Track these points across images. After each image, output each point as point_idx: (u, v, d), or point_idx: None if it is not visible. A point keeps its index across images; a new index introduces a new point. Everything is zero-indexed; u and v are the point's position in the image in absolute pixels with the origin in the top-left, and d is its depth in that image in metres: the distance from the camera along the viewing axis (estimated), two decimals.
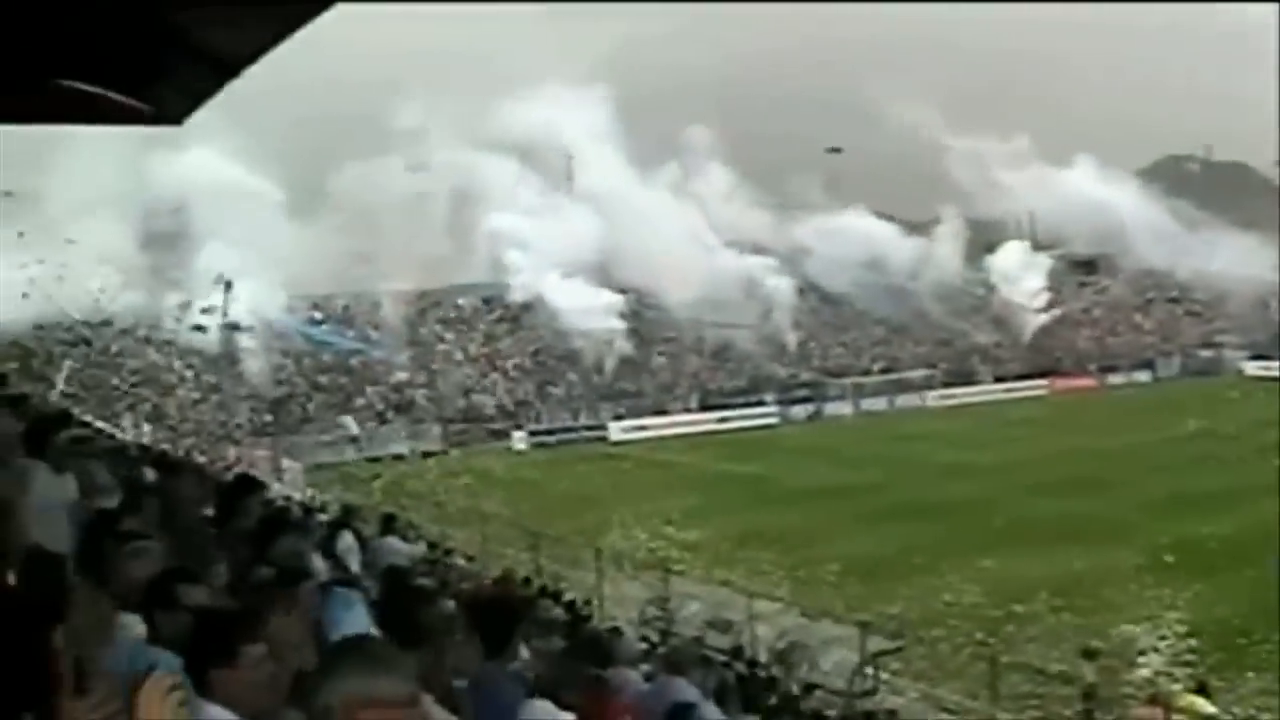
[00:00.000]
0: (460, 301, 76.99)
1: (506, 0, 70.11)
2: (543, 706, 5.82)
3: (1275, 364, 74.60)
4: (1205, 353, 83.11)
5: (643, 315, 76.02)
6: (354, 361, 67.76)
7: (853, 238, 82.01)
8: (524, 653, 8.15)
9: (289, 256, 62.41)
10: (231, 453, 49.05)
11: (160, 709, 2.76)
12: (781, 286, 78.16)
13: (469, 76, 74.64)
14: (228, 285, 60.06)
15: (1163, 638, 22.44)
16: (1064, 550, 29.41)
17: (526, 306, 75.53)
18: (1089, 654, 18.83)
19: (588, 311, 70.17)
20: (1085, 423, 56.60)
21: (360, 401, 63.37)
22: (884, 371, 75.22)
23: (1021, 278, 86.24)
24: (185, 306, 63.59)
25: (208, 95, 8.14)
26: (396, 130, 68.68)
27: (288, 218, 64.17)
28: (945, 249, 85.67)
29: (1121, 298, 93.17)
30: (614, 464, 52.40)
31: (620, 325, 71.52)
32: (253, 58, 7.09)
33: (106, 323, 63.51)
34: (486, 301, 77.45)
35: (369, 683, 2.60)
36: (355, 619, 5.32)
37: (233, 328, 62.40)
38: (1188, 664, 20.75)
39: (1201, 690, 16.79)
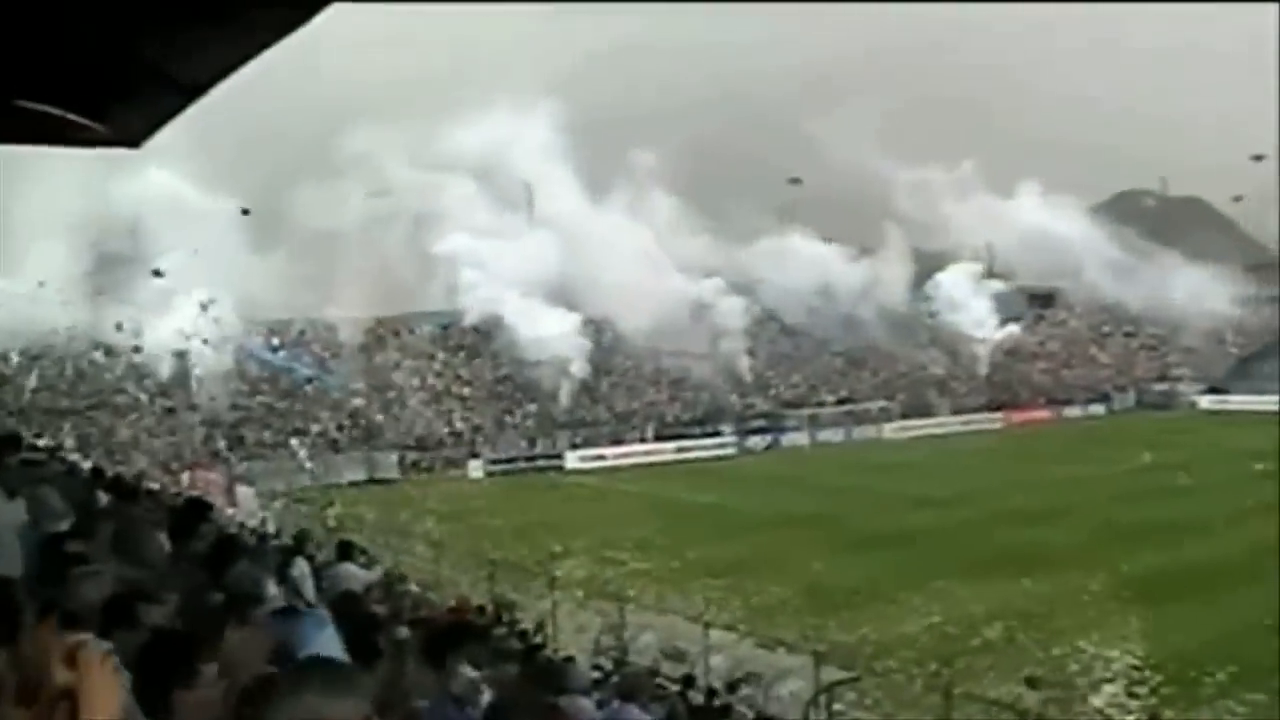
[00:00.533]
0: (417, 329, 76.83)
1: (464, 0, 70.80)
2: None
3: (1229, 398, 75.62)
4: (1160, 386, 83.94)
5: (600, 344, 76.08)
6: (309, 388, 67.42)
7: (804, 263, 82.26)
8: (476, 679, 8.15)
9: (244, 281, 62.20)
10: (185, 477, 48.68)
11: (100, 672, 2.80)
12: (736, 314, 78.41)
13: (420, 100, 74.06)
14: (204, 306, 59.83)
15: (1117, 668, 22.61)
16: (1019, 581, 29.62)
17: (484, 334, 75.53)
18: (1031, 683, 19.05)
19: (545, 337, 70.13)
20: (1041, 455, 57.04)
21: (316, 428, 62.99)
22: (840, 403, 75.45)
23: (977, 311, 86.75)
24: (138, 332, 63.23)
25: (167, 118, 8.15)
26: (350, 155, 68.52)
27: (243, 242, 63.70)
28: (895, 276, 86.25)
29: (1077, 331, 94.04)
30: (570, 493, 52.38)
31: (582, 344, 71.37)
32: (212, 82, 7.11)
33: (55, 346, 63.25)
34: (444, 329, 77.32)
35: (324, 704, 2.63)
36: (327, 641, 5.32)
37: (181, 354, 62.34)
38: (1140, 695, 20.89)
39: None
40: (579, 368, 71.17)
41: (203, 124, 8.05)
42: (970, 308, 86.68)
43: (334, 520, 35.27)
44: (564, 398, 70.09)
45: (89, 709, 2.75)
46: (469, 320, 76.01)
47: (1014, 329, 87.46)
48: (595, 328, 75.11)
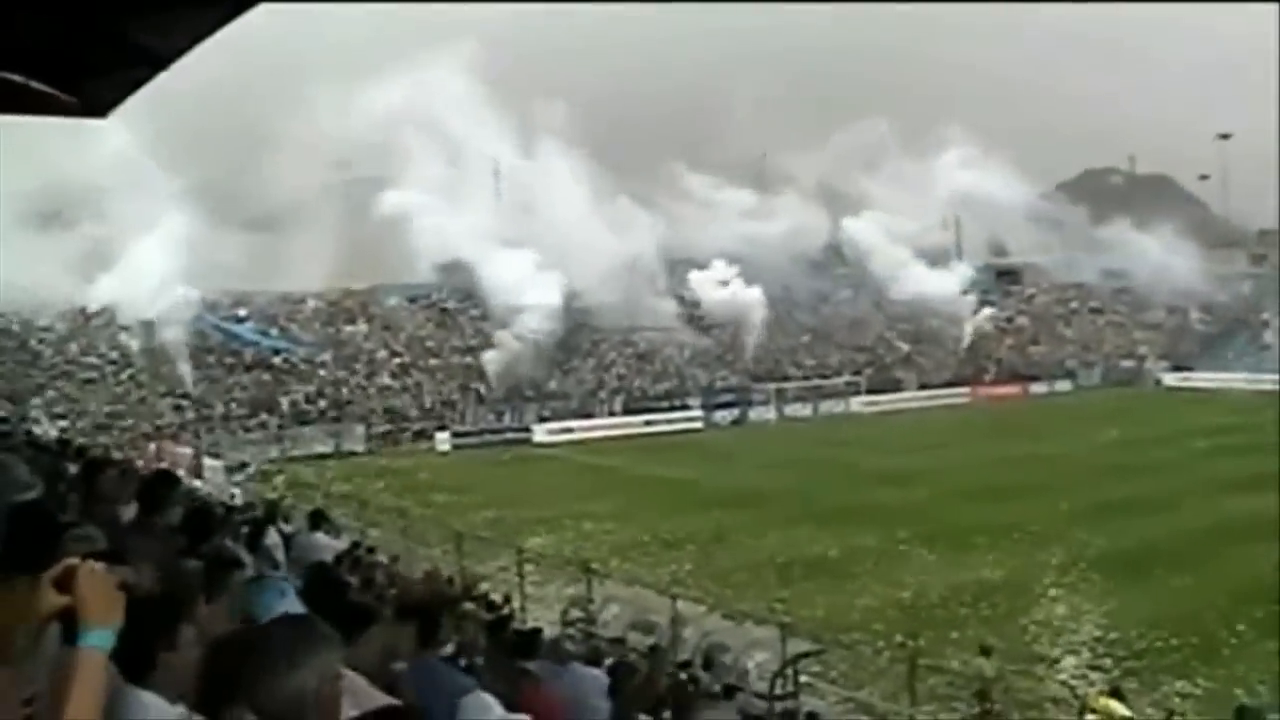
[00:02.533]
0: (385, 301, 76.65)
1: None
2: (487, 700, 5.90)
3: (1193, 375, 76.27)
4: (1126, 363, 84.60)
5: (568, 314, 76.20)
6: (277, 360, 67.16)
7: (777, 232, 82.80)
8: (449, 647, 8.23)
9: (208, 252, 62.00)
10: (151, 449, 48.51)
11: (102, 583, 2.87)
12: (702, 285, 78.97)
13: (358, 63, 73.11)
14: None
15: (1077, 640, 22.88)
16: (986, 554, 29.89)
17: (447, 311, 75.68)
18: (985, 651, 19.27)
19: (515, 303, 70.31)
20: (1008, 430, 57.44)
21: (284, 400, 62.79)
22: (808, 377, 75.70)
23: (946, 285, 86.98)
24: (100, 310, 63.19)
25: (134, 89, 8.17)
26: (298, 125, 68.15)
27: (204, 212, 63.40)
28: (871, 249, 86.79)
29: (1045, 307, 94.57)
30: (538, 466, 52.45)
31: (549, 301, 71.44)
32: (179, 53, 7.14)
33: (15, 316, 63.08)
34: (411, 301, 77.19)
35: (295, 659, 2.72)
36: (289, 606, 5.37)
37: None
38: (1103, 669, 21.13)
39: (1116, 693, 17.10)
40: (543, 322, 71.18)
41: (155, 92, 8.02)
42: (949, 287, 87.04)
43: (282, 491, 35.31)
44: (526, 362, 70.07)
45: (93, 618, 2.81)
46: (437, 292, 76.39)
47: (987, 310, 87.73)
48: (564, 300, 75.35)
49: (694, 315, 78.80)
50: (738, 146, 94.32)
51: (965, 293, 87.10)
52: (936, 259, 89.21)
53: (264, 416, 60.85)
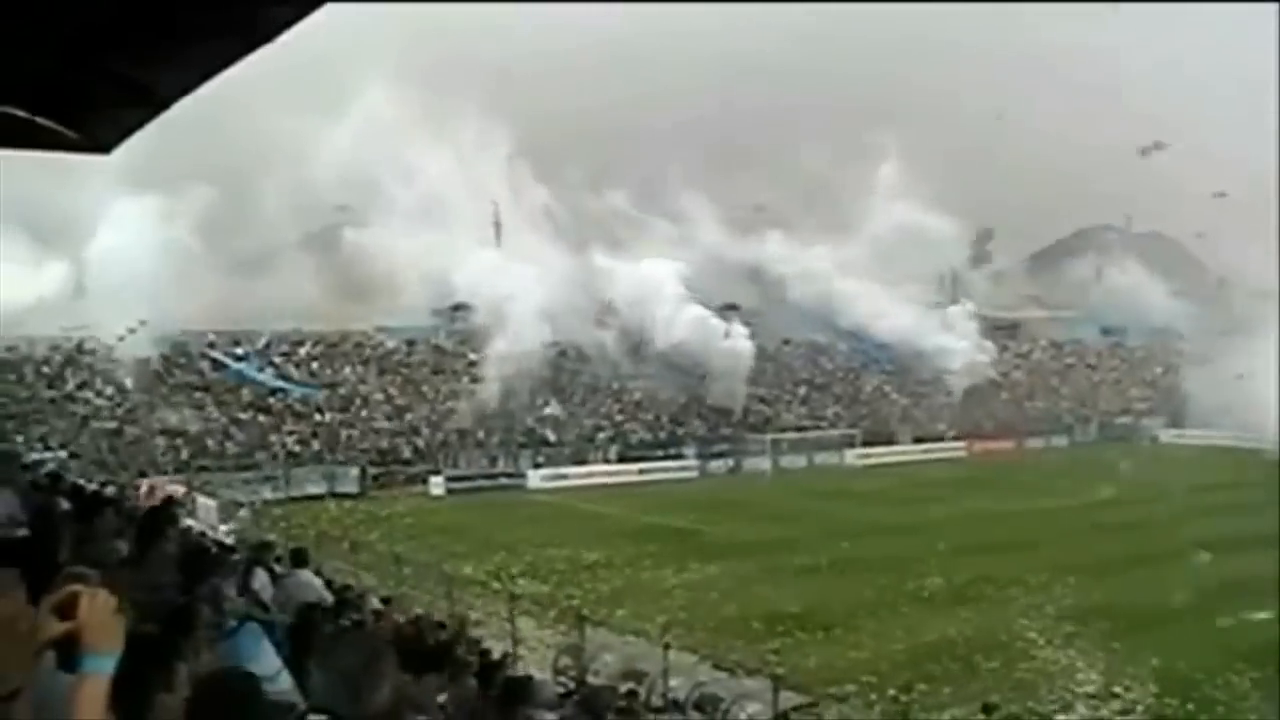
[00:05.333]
0: (383, 342, 76.61)
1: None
2: None
3: (1187, 431, 76.26)
4: (1122, 419, 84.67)
5: (562, 365, 76.27)
6: (273, 399, 67.03)
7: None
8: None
9: (206, 290, 62.23)
10: (145, 486, 48.31)
11: (104, 609, 2.87)
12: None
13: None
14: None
15: (1066, 698, 22.79)
16: (980, 608, 29.82)
17: (444, 353, 75.80)
18: (988, 709, 19.18)
19: (518, 341, 70.43)
20: (1002, 485, 57.32)
21: (278, 440, 62.63)
22: (803, 429, 75.63)
23: (943, 340, 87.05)
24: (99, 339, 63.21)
25: (136, 127, 8.20)
26: (301, 167, 68.63)
27: (204, 249, 63.70)
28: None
29: (1041, 363, 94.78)
30: (532, 513, 52.24)
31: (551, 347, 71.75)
32: (182, 93, 7.17)
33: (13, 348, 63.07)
34: (409, 343, 77.17)
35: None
36: (264, 654, 5.36)
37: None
38: None
39: None
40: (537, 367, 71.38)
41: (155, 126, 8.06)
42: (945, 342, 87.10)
43: (295, 532, 35.15)
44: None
45: (95, 644, 2.80)
46: (435, 335, 76.62)
47: (979, 358, 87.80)
48: (558, 348, 75.54)
49: (689, 364, 78.49)
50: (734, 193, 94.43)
51: (961, 348, 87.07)
52: (933, 315, 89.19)
53: (258, 456, 60.68)
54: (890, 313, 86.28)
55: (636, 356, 77.47)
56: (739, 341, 78.82)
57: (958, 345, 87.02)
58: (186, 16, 5.77)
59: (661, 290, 77.52)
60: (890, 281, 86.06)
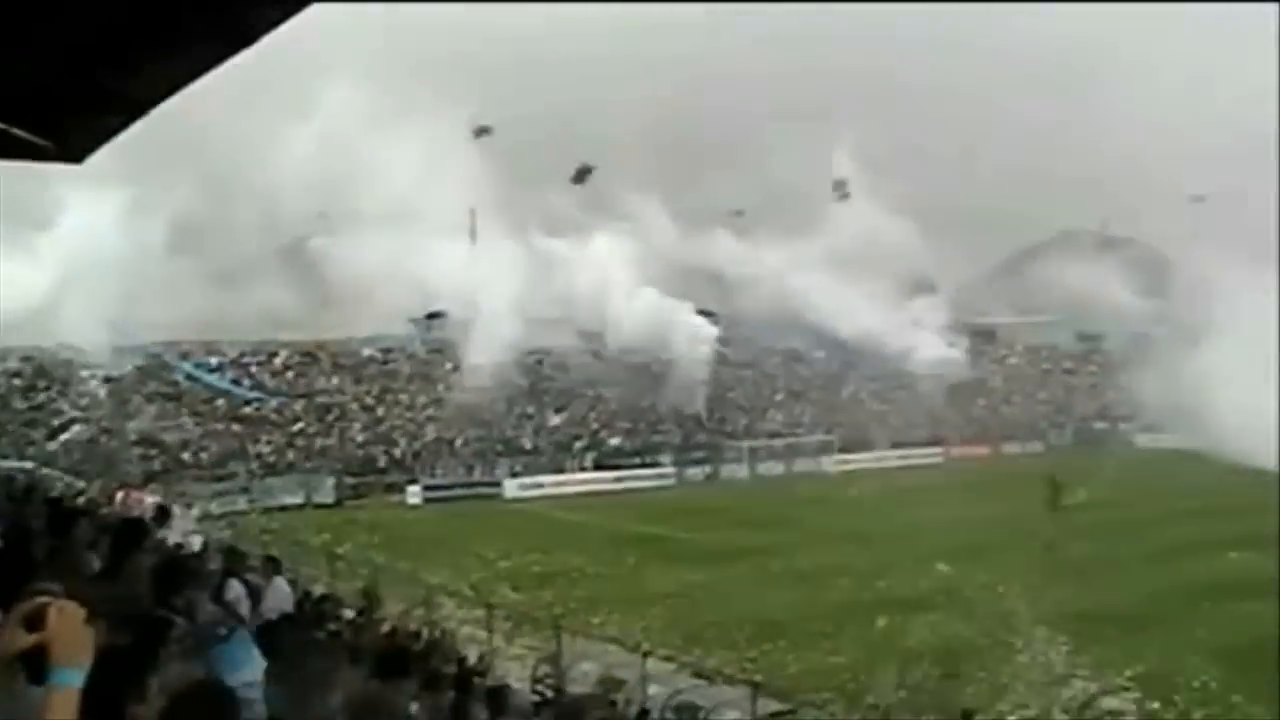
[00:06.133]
0: (360, 352, 76.43)
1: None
2: None
3: (1163, 437, 76.35)
4: (1099, 425, 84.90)
5: (539, 372, 76.29)
6: (248, 409, 66.82)
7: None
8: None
9: (180, 300, 62.10)
10: (119, 497, 48.01)
11: (74, 622, 2.89)
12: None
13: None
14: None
15: (1040, 703, 22.90)
16: (958, 613, 29.88)
17: (420, 362, 75.78)
18: (967, 715, 19.26)
19: (493, 349, 70.36)
20: (978, 491, 57.37)
21: (254, 451, 62.42)
22: (780, 435, 75.68)
23: (918, 345, 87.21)
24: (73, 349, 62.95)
25: (110, 135, 8.18)
26: (276, 173, 68.32)
27: (175, 259, 63.59)
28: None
29: (1018, 368, 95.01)
30: (509, 521, 52.17)
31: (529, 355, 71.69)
32: (155, 101, 7.15)
33: None
34: (385, 352, 77.03)
35: None
36: (251, 661, 5.36)
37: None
38: None
39: None
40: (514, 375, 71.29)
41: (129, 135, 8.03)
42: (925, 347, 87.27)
43: (271, 542, 35.01)
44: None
45: (65, 657, 2.80)
46: (411, 344, 76.58)
47: (952, 356, 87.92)
48: (539, 356, 75.67)
49: (666, 372, 78.42)
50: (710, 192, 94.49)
51: (938, 354, 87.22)
52: (908, 320, 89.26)
53: (234, 466, 60.46)
54: (865, 317, 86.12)
55: (609, 361, 77.53)
56: (700, 327, 79.10)
57: (933, 351, 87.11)
58: (164, 21, 5.75)
59: (618, 279, 77.59)
60: (866, 286, 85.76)
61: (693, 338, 78.55)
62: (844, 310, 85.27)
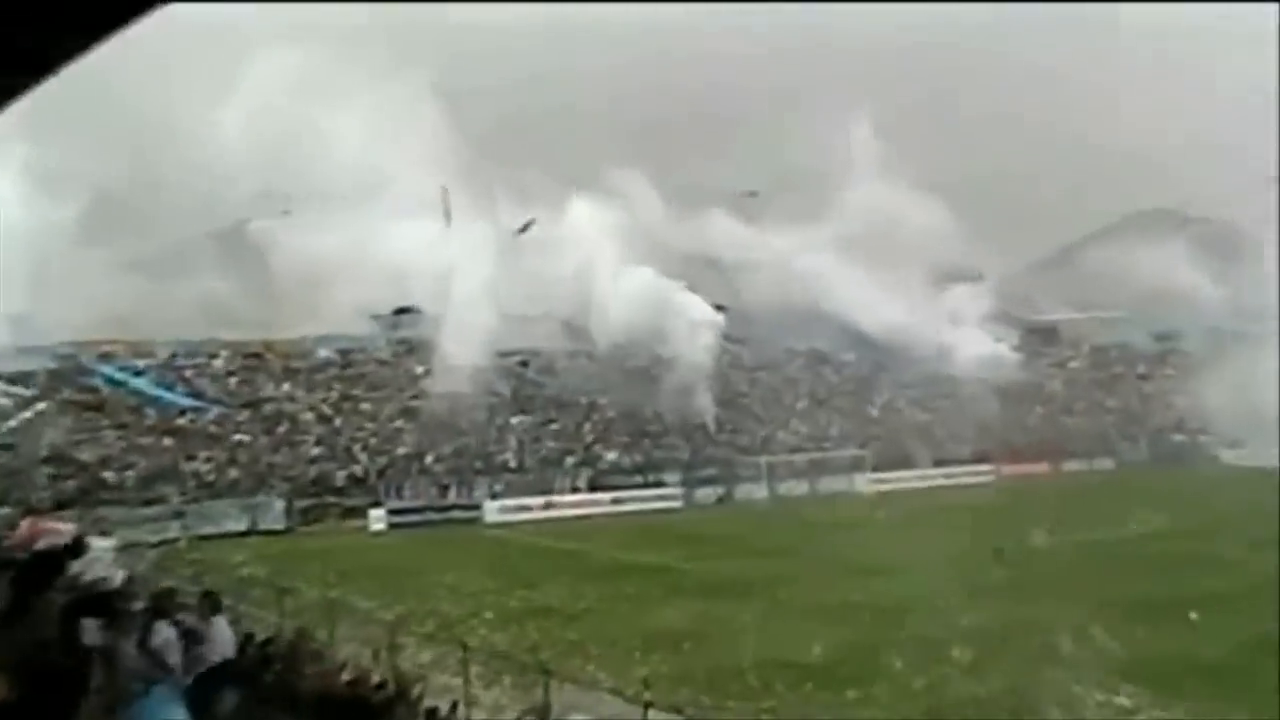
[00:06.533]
0: (315, 353, 76.39)
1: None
2: None
3: (1258, 451, 75.64)
4: (1178, 437, 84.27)
5: (523, 376, 76.27)
6: (183, 421, 66.65)
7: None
8: None
9: (98, 292, 61.89)
10: (24, 526, 47.69)
11: None
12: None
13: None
14: None
15: None
16: (1004, 661, 29.72)
17: (386, 366, 75.64)
18: None
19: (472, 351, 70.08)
20: (1033, 515, 57.11)
21: (190, 468, 62.20)
22: (805, 450, 75.56)
23: (966, 345, 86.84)
24: None
25: (13, 96, 8.15)
26: (213, 150, 68.11)
27: (91, 244, 63.35)
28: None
29: (1082, 371, 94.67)
30: (490, 551, 52.19)
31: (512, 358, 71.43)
32: (64, 59, 7.11)
33: None
34: (344, 354, 76.96)
35: None
36: (175, 715, 5.34)
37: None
38: None
39: None
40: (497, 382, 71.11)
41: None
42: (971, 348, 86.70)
43: (210, 577, 34.95)
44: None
45: None
46: (374, 344, 76.41)
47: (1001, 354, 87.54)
48: (522, 357, 75.64)
49: (666, 372, 78.14)
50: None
51: (992, 354, 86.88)
52: (945, 314, 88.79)
53: (165, 488, 60.17)
54: (893, 311, 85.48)
55: (604, 362, 77.45)
56: (701, 310, 79.12)
57: (978, 349, 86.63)
58: None
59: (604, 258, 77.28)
60: (892, 274, 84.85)
61: (693, 323, 78.05)
62: (869, 302, 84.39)
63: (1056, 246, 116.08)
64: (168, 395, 68.35)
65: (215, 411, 68.20)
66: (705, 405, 76.81)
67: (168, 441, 64.68)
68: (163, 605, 14.79)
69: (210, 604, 15.71)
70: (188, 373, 71.35)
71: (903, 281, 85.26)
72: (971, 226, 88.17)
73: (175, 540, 52.48)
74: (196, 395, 69.45)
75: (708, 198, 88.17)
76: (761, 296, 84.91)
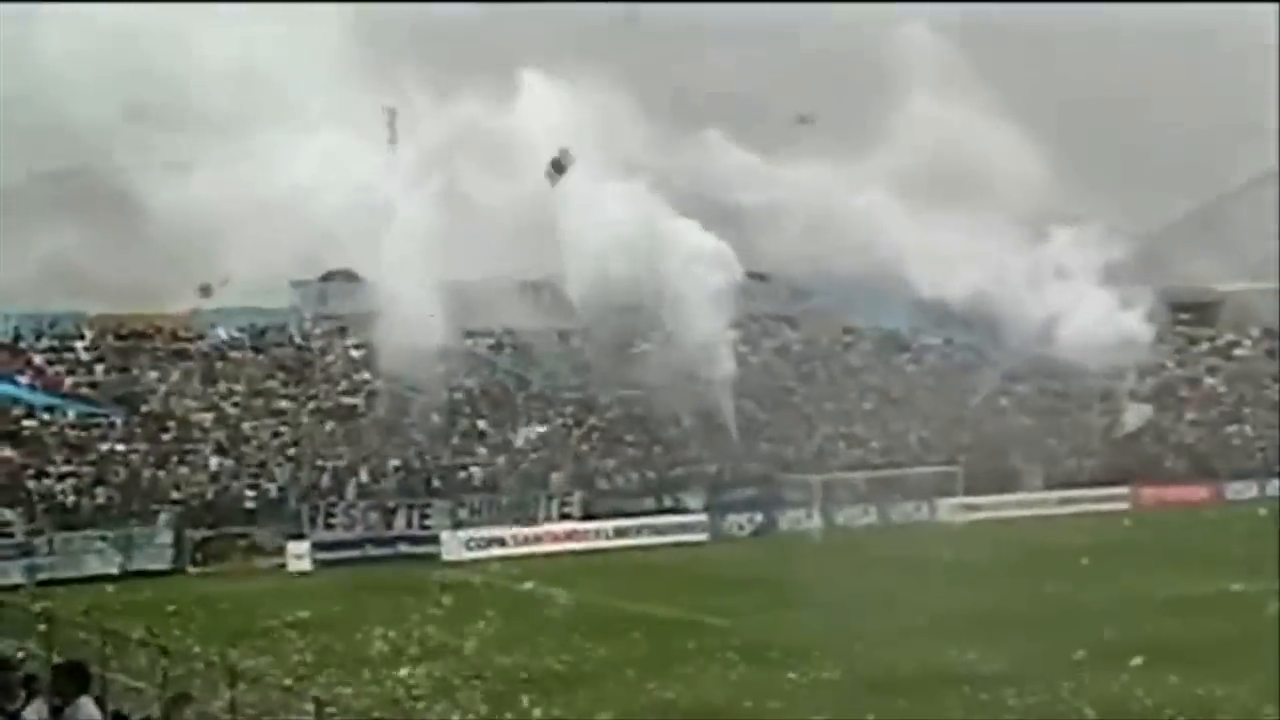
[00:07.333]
0: (214, 332, 76.33)
1: None
2: None
3: None
4: None
5: (495, 363, 76.26)
6: (31, 423, 66.47)
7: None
8: None
9: None
10: None
11: None
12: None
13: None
14: None
15: None
16: None
17: (308, 349, 75.64)
18: None
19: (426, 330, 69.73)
20: (1181, 556, 57.04)
21: (40, 487, 61.93)
22: (873, 466, 75.52)
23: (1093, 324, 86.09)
24: None
25: None
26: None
27: None
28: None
29: (1252, 364, 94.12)
30: (451, 596, 52.17)
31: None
32: None
33: None
34: (257, 334, 76.91)
35: None
36: None
37: None
38: None
39: None
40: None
41: None
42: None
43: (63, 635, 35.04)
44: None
45: None
46: (294, 320, 76.36)
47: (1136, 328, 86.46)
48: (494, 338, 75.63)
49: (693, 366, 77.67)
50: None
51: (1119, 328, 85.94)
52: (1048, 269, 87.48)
53: (6, 514, 59.88)
54: (993, 273, 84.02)
55: (601, 345, 77.42)
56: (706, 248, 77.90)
57: (1103, 320, 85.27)
58: None
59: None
60: (966, 220, 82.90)
61: (692, 259, 76.52)
62: (948, 260, 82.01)
63: (1194, 200, 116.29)
64: (9, 389, 68.08)
65: (75, 411, 67.96)
66: (722, 394, 75.97)
67: (9, 452, 64.37)
68: (4, 679, 14.75)
69: (73, 678, 15.61)
70: (36, 359, 71.03)
71: (989, 229, 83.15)
72: (1077, 170, 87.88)
73: (16, 587, 52.33)
74: (51, 389, 69.23)
75: (704, 117, 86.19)
76: (798, 257, 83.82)
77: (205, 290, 72.87)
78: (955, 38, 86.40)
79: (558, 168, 70.82)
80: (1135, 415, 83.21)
